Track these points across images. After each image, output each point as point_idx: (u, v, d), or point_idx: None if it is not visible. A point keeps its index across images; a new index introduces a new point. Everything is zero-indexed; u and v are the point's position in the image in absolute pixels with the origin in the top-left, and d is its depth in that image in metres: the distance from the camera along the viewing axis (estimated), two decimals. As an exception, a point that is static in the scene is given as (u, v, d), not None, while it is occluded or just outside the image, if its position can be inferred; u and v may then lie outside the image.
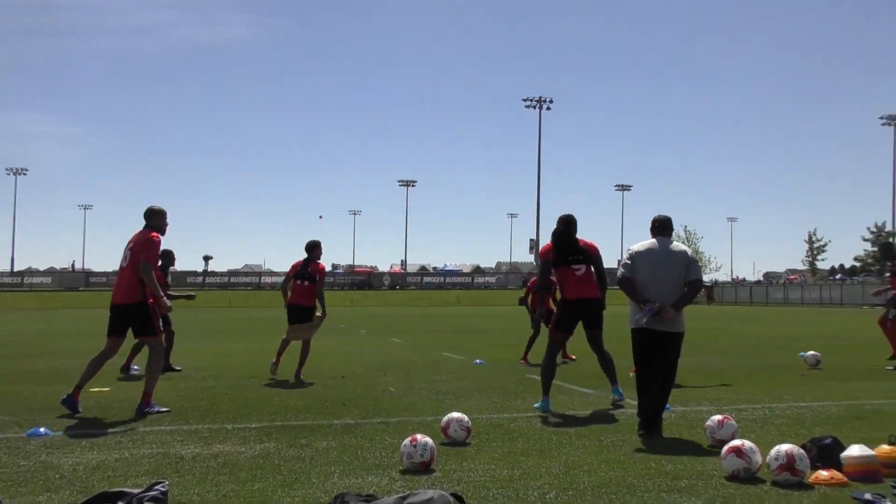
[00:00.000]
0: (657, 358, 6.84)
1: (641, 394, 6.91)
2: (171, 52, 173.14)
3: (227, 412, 8.10)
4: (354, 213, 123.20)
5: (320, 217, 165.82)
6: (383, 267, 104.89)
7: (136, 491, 4.41)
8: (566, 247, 8.42)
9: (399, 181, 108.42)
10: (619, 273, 7.01)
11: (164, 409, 8.14)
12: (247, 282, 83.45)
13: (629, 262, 6.99)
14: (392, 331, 24.89)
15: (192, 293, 13.18)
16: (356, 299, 71.09)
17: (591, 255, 8.48)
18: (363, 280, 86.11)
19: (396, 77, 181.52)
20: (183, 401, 8.90)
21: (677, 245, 7.08)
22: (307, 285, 11.31)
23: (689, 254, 7.06)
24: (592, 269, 8.47)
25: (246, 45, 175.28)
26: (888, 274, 13.22)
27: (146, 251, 8.10)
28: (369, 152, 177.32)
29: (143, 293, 8.10)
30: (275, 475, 5.33)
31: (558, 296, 8.81)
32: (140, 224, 8.39)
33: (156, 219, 8.41)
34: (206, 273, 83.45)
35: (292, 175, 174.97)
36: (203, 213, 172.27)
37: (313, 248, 11.53)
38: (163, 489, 4.49)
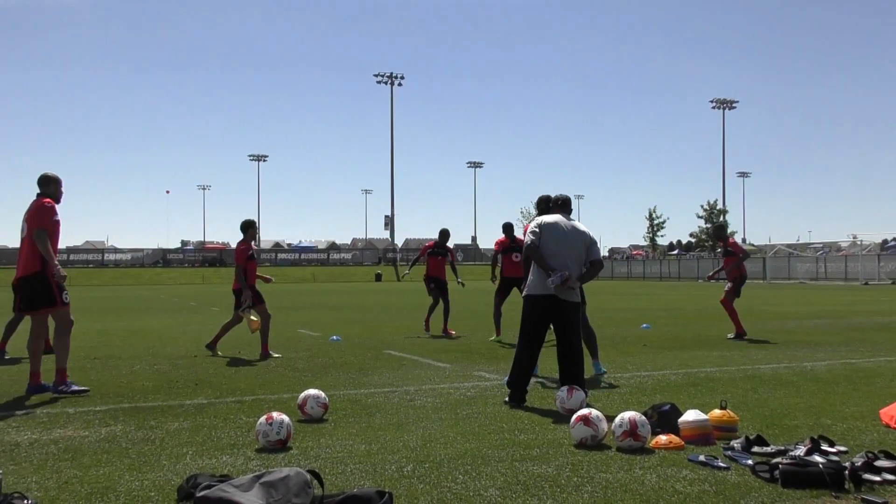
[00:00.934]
0: (559, 326, 7.05)
1: (524, 363, 7.03)
2: (4, 16, 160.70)
3: (67, 396, 7.67)
4: (204, 188, 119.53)
5: (167, 192, 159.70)
6: (236, 243, 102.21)
7: (-34, 481, 4.12)
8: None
9: (250, 155, 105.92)
10: (527, 241, 7.11)
11: (84, 389, 7.74)
12: (88, 259, 79.24)
13: (537, 230, 7.09)
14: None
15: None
16: (207, 276, 69.00)
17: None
18: (215, 257, 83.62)
19: (247, 49, 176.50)
20: (15, 385, 8.34)
21: (580, 224, 7.31)
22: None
23: (591, 235, 7.28)
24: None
25: (83, 8, 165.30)
26: (719, 251, 14.32)
27: (40, 218, 7.65)
28: (218, 126, 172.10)
29: (41, 262, 7.62)
30: (122, 459, 5.11)
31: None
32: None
33: (51, 186, 7.94)
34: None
35: (136, 148, 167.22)
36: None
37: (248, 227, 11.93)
38: (-4, 478, 4.21)
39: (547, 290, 6.97)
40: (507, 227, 13.02)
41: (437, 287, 14.43)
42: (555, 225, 7.14)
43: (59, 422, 6.40)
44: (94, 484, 4.51)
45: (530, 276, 7.20)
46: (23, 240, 7.81)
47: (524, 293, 7.27)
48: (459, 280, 15.08)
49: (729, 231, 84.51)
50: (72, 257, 77.68)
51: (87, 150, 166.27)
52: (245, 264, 11.45)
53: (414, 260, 15.53)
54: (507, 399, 7.00)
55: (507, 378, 7.18)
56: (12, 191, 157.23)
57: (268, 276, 12.53)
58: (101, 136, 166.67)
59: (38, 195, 7.90)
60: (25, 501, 4.04)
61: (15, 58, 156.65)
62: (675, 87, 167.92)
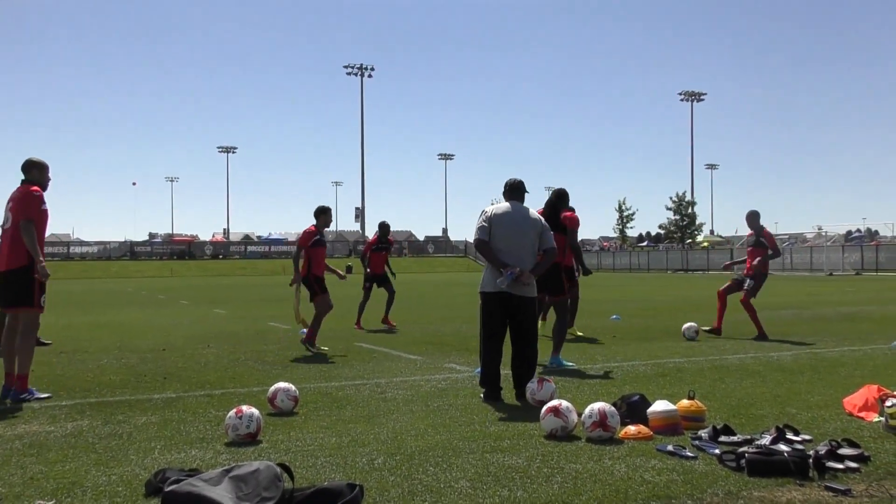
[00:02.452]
0: (515, 323, 6.89)
1: (491, 360, 6.85)
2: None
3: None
4: (172, 180, 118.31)
5: (133, 184, 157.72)
6: (205, 236, 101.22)
7: (-72, 478, 4.05)
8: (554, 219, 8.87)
9: (218, 147, 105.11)
10: (475, 236, 6.91)
11: (45, 395, 7.23)
12: (53, 252, 78.03)
13: (486, 224, 6.86)
14: (215, 301, 24.16)
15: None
16: (176, 269, 68.31)
17: (566, 227, 9.23)
18: (183, 249, 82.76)
19: (215, 39, 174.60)
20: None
21: (532, 211, 7.12)
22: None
23: (543, 222, 7.10)
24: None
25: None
26: (749, 247, 12.21)
27: (27, 208, 7.13)
28: (186, 118, 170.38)
29: (27, 257, 7.10)
30: (88, 454, 5.05)
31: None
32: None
33: (35, 172, 7.36)
34: None
35: (102, 139, 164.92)
36: (2, 177, 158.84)
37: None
38: (-40, 475, 4.13)
39: (497, 287, 6.76)
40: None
41: (377, 283, 14.54)
42: (505, 215, 6.91)
43: (23, 417, 6.31)
44: (61, 479, 4.46)
45: (484, 273, 7.01)
46: (6, 230, 7.27)
47: (480, 290, 6.99)
48: (392, 272, 14.97)
49: (699, 223, 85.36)
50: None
51: (53, 142, 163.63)
52: (309, 249, 10.86)
53: (361, 257, 14.93)
54: (482, 397, 6.82)
55: (479, 378, 7.00)
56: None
57: (341, 273, 11.89)
58: (68, 127, 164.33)
59: (23, 182, 7.34)
60: None
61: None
62: (643, 79, 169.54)
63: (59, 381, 8.08)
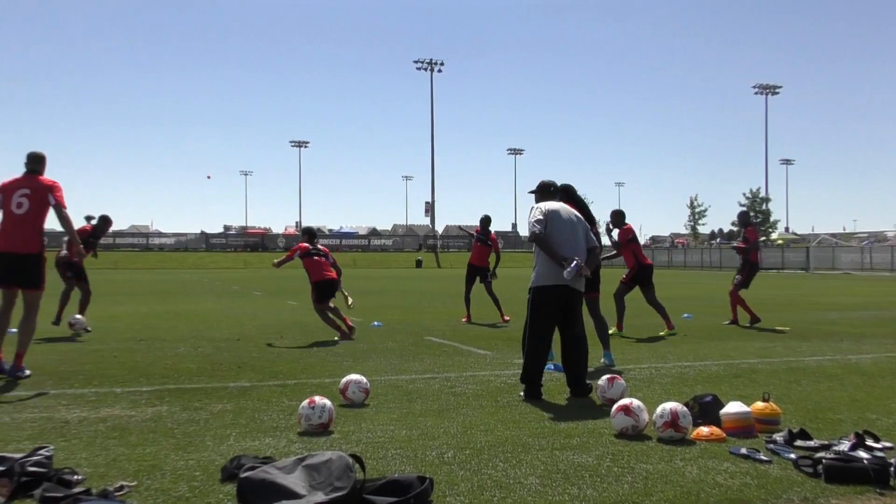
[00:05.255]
0: (567, 319, 6.85)
1: (538, 357, 6.77)
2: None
3: (115, 376, 7.85)
4: (246, 174, 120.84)
5: (208, 177, 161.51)
6: (277, 228, 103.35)
7: (17, 456, 4.24)
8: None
9: (291, 142, 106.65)
10: (534, 229, 6.81)
11: (27, 373, 7.71)
12: (133, 243, 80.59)
13: (542, 218, 6.83)
14: (287, 293, 24.60)
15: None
16: (249, 261, 69.74)
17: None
18: (256, 241, 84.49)
19: (288, 35, 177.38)
20: (66, 364, 8.56)
21: (576, 212, 7.19)
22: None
23: (585, 221, 7.20)
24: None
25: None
26: (740, 240, 14.28)
27: (62, 198, 7.82)
28: (260, 111, 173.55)
29: (41, 244, 7.75)
30: (167, 438, 5.22)
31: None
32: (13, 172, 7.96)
33: (44, 165, 8.03)
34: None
35: (180, 134, 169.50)
36: (85, 171, 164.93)
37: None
38: (47, 454, 4.32)
39: (558, 281, 6.70)
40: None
41: (479, 276, 14.51)
42: (560, 211, 6.95)
43: (106, 401, 6.55)
44: (141, 461, 4.62)
45: (538, 267, 6.91)
46: (19, 216, 7.68)
47: (532, 284, 6.92)
48: (494, 273, 14.88)
49: (773, 220, 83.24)
50: (118, 241, 79.02)
51: (133, 136, 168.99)
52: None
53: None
54: (522, 394, 6.75)
55: (520, 375, 6.86)
56: (55, 172, 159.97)
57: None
58: (146, 122, 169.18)
59: (34, 172, 7.89)
60: (76, 477, 4.15)
61: (59, 38, 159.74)
62: (716, 72, 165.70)
63: (140, 368, 8.36)
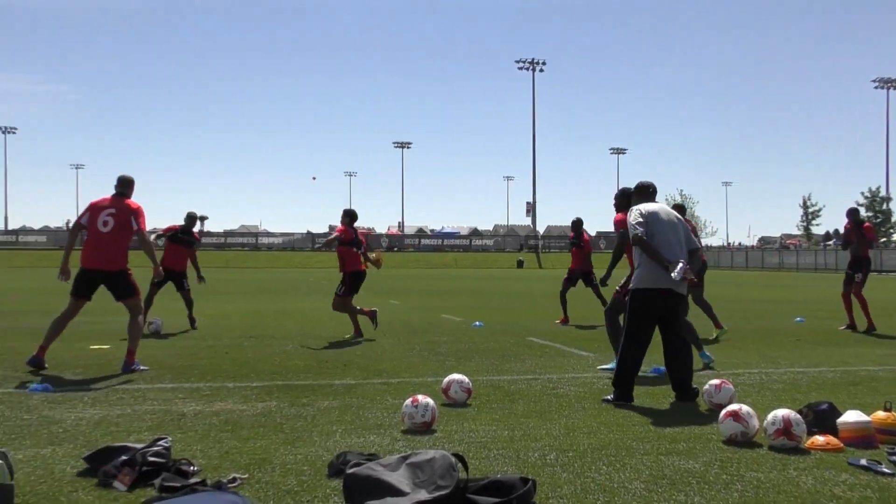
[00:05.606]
0: (669, 322, 6.70)
1: (634, 360, 6.59)
2: (155, 9, 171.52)
3: (227, 371, 8.15)
4: (350, 175, 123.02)
5: (313, 178, 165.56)
6: (380, 229, 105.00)
7: (139, 446, 4.45)
8: None
9: (394, 142, 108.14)
10: (635, 232, 6.63)
11: (144, 368, 8.19)
12: (243, 242, 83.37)
13: (643, 220, 6.68)
14: (390, 292, 24.96)
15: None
16: (353, 260, 71.16)
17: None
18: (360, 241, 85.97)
19: (391, 38, 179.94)
20: (182, 360, 8.94)
21: (676, 213, 7.04)
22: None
23: (685, 222, 7.04)
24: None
25: (237, 3, 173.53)
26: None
27: (144, 222, 8.34)
28: (363, 113, 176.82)
29: (125, 260, 8.24)
30: (277, 433, 5.38)
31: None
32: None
33: (131, 188, 8.53)
34: (201, 233, 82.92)
35: (286, 136, 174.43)
36: (197, 173, 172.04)
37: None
38: (165, 445, 4.52)
39: (662, 284, 6.52)
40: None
41: (582, 279, 14.36)
42: (658, 213, 6.75)
43: (219, 395, 6.80)
44: (252, 455, 4.78)
45: (640, 269, 6.73)
46: (105, 234, 8.16)
47: (633, 286, 6.77)
48: (594, 279, 14.40)
49: (895, 220, 79.06)
50: (228, 240, 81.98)
51: (243, 140, 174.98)
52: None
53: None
54: (611, 399, 6.54)
55: (613, 379, 6.67)
56: (174, 175, 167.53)
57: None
58: (256, 127, 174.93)
59: (122, 195, 8.38)
60: (192, 468, 4.33)
61: (168, 47, 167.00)
62: (832, 65, 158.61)
63: (250, 364, 8.65)
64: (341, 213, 11.94)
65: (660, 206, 6.93)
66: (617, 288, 8.33)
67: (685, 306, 6.82)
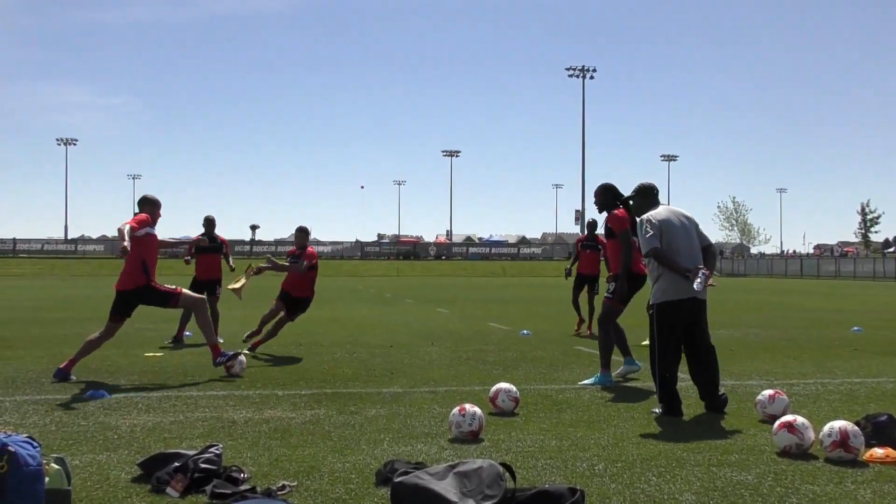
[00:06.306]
0: (693, 331, 6.53)
1: (673, 374, 6.41)
2: (209, 23, 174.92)
3: (276, 379, 8.24)
4: (399, 183, 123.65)
5: (362, 187, 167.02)
6: (429, 237, 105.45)
7: (191, 453, 4.52)
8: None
9: (443, 151, 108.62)
10: (653, 244, 6.42)
11: (229, 353, 8.47)
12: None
13: (655, 231, 6.44)
14: (438, 301, 25.00)
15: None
16: (402, 269, 71.55)
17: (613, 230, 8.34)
18: (409, 250, 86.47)
19: (440, 46, 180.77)
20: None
21: (683, 209, 6.79)
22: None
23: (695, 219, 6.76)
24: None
25: (285, 14, 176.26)
26: None
27: (132, 220, 8.31)
28: (412, 122, 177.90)
29: (145, 276, 8.28)
30: (325, 441, 5.41)
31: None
32: (184, 194, 8.69)
33: (144, 205, 8.62)
34: (253, 242, 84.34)
35: (336, 145, 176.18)
36: (249, 182, 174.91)
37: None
38: (217, 452, 4.58)
39: (686, 294, 6.34)
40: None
41: (587, 284, 14.03)
42: (670, 219, 6.53)
43: (269, 403, 6.88)
44: (301, 463, 4.82)
45: (661, 283, 6.51)
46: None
47: (656, 300, 6.51)
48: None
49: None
50: (279, 249, 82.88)
51: (292, 149, 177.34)
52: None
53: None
54: (659, 412, 6.43)
55: (658, 394, 6.49)
56: (211, 186, 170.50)
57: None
58: (307, 138, 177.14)
59: (135, 214, 8.51)
60: (242, 475, 4.38)
61: (217, 59, 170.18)
62: (891, 70, 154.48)
63: (299, 372, 8.74)
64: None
65: (668, 210, 6.71)
66: (606, 294, 8.21)
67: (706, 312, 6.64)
